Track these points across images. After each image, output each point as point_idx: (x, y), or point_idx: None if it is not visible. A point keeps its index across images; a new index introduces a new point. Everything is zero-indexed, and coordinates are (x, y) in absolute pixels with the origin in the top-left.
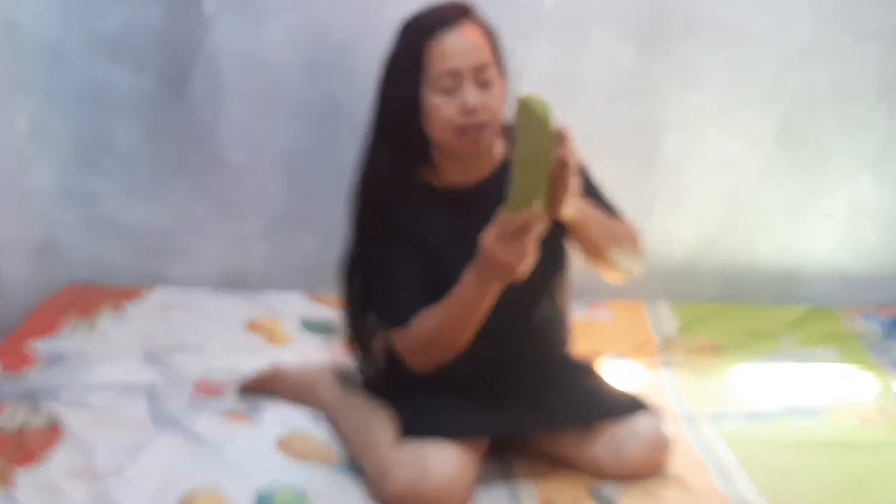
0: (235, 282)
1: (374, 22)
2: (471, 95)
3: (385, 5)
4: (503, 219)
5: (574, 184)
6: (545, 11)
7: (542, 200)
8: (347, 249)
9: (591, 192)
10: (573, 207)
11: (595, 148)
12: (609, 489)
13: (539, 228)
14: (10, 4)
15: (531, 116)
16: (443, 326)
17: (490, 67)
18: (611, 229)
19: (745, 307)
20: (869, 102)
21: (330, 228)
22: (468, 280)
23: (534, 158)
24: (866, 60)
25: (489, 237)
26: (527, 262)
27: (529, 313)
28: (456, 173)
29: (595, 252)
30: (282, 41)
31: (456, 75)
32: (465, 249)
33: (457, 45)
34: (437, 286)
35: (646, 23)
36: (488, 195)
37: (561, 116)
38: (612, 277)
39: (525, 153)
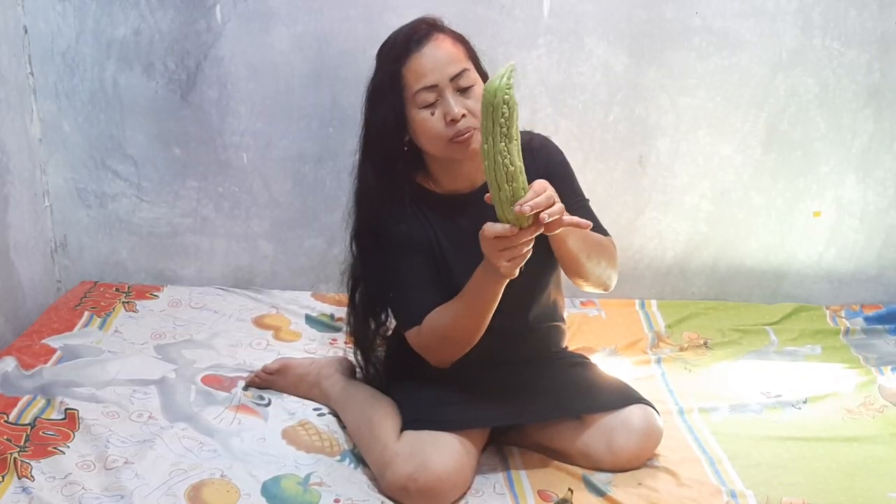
0: (243, 280)
1: (376, 29)
2: (453, 106)
3: (386, 14)
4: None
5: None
6: (543, 21)
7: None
8: (350, 264)
9: (577, 202)
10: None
11: (590, 150)
12: (601, 479)
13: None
14: (24, 11)
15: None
16: (457, 320)
17: (468, 71)
18: (590, 244)
19: (734, 305)
20: (856, 106)
21: (334, 228)
22: (479, 276)
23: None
24: (852, 65)
25: (488, 243)
26: (519, 262)
27: (526, 311)
28: (451, 179)
29: (572, 264)
30: (288, 48)
31: (435, 89)
32: (466, 252)
33: (431, 61)
34: (442, 286)
35: (638, 31)
36: (484, 200)
37: (558, 120)
38: (588, 289)
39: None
